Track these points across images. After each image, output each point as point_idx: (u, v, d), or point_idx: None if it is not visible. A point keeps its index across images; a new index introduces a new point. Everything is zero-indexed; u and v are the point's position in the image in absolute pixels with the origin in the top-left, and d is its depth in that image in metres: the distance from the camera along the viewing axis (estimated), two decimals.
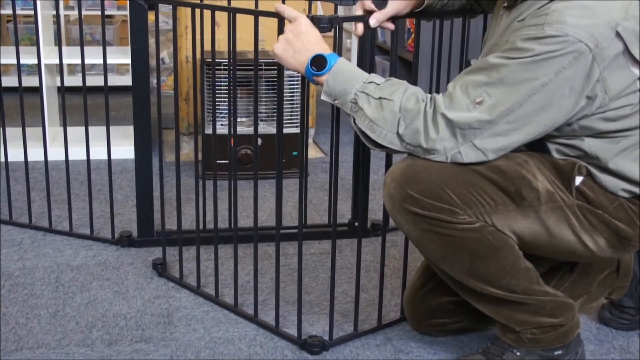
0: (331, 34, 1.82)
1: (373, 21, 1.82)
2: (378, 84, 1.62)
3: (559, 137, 1.63)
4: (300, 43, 1.68)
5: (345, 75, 1.64)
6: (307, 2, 2.58)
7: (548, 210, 1.63)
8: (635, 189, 1.65)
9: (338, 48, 1.81)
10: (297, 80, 3.17)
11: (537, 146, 1.67)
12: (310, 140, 3.63)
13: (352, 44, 4.96)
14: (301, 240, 1.99)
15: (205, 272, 2.38)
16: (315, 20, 1.72)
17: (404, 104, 1.58)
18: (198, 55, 2.57)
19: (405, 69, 4.05)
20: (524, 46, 1.50)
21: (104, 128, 2.28)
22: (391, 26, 1.86)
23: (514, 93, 1.51)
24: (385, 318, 2.12)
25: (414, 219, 1.64)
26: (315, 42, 1.67)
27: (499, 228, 1.63)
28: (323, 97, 1.67)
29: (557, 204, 1.63)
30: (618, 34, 1.50)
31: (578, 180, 1.64)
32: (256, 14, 1.91)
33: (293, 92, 3.20)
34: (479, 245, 1.64)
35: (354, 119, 1.63)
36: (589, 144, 1.62)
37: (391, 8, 1.83)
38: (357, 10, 1.85)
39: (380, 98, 1.60)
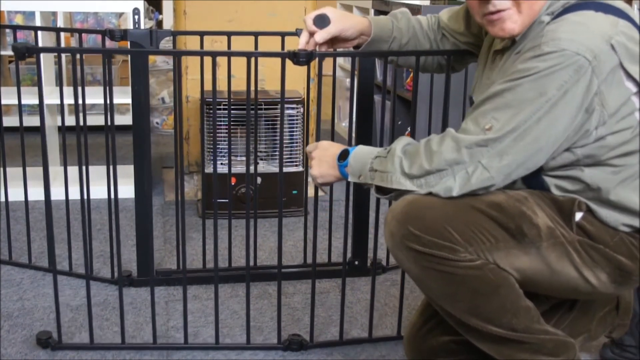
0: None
1: (317, 37, 1.91)
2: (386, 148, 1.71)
3: (559, 168, 1.64)
4: (330, 156, 1.81)
5: (364, 152, 1.74)
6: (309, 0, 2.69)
7: (549, 247, 1.63)
8: (635, 223, 1.65)
9: (318, 77, 1.98)
10: (297, 120, 3.18)
11: (536, 183, 1.68)
12: (309, 179, 3.63)
13: (354, 84, 4.95)
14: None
15: (205, 312, 2.38)
16: (296, 55, 1.89)
17: (406, 148, 1.65)
18: (197, 96, 2.59)
19: (405, 108, 4.08)
20: (525, 66, 1.54)
21: (103, 167, 2.28)
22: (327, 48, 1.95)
23: (520, 112, 1.54)
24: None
25: (414, 256, 1.64)
26: (338, 148, 1.81)
27: (500, 265, 1.63)
28: (351, 179, 1.75)
29: (558, 239, 1.63)
30: (612, 47, 1.53)
31: (578, 215, 1.65)
32: (255, 55, 1.94)
33: (293, 131, 3.22)
34: (479, 283, 1.63)
35: (374, 186, 1.70)
36: (590, 175, 1.62)
37: (334, 28, 1.92)
38: (304, 33, 1.95)
39: (387, 153, 1.68)
